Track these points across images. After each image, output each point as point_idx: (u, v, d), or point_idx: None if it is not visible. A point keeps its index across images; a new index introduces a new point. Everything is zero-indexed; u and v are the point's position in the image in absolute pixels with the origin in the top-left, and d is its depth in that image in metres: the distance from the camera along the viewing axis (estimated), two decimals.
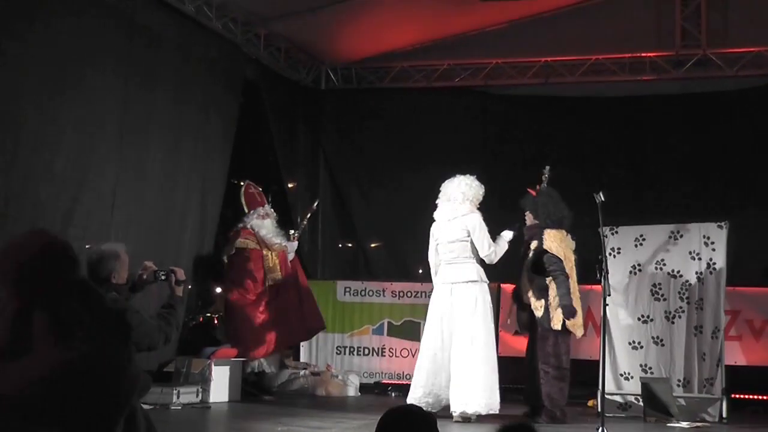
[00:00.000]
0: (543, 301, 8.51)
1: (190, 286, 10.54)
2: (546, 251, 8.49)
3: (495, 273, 10.17)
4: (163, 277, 5.31)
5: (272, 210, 10.65)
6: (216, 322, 11.58)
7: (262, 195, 10.66)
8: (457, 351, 8.42)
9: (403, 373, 11.33)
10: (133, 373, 4.00)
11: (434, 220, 9.02)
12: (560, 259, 8.43)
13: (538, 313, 8.55)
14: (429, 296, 11.33)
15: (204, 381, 9.29)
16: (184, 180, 10.39)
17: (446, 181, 9.04)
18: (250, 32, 11.48)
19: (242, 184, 10.70)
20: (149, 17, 9.77)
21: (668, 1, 11.77)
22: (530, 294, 8.68)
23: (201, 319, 11.75)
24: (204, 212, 10.72)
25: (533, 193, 8.84)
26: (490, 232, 8.77)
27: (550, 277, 8.48)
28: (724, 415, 8.96)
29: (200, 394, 9.21)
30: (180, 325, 5.43)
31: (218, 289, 10.89)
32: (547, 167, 8.84)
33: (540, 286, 8.58)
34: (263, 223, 10.43)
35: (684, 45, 11.82)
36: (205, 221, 10.73)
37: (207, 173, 10.77)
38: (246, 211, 10.46)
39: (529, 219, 8.89)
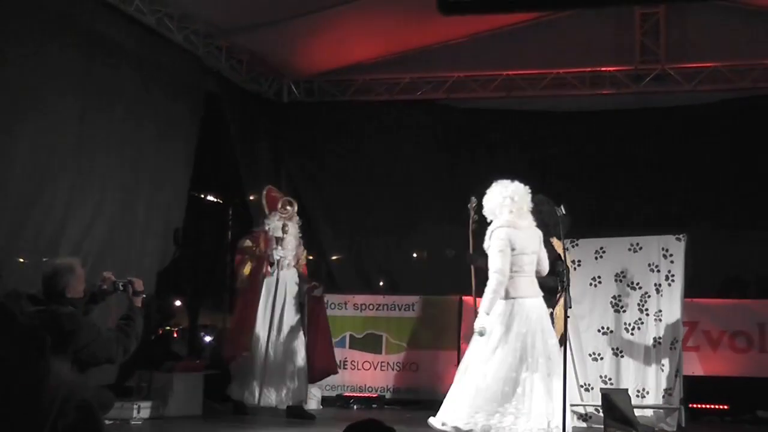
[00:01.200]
0: (551, 309, 8.11)
1: (146, 297, 10.52)
2: (559, 257, 8.00)
3: (455, 285, 10.24)
4: (121, 288, 5.31)
5: (296, 214, 9.97)
6: (176, 335, 11.52)
7: (284, 200, 10.01)
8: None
9: (365, 385, 11.33)
10: (53, 385, 4.00)
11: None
12: (568, 267, 7.96)
13: None
14: (391, 309, 11.44)
15: (164, 395, 9.22)
16: (144, 193, 10.34)
17: (514, 186, 7.71)
18: (211, 44, 11.45)
19: (263, 189, 10.25)
20: (108, 29, 9.73)
21: (628, 16, 11.89)
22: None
23: (160, 332, 11.70)
24: (166, 226, 10.66)
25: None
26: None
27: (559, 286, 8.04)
28: (683, 424, 9.06)
29: (160, 409, 9.13)
30: (139, 337, 5.37)
31: (177, 302, 10.83)
32: (473, 198, 8.37)
33: (551, 295, 8.18)
34: (289, 225, 9.75)
35: (643, 60, 11.95)
36: (167, 234, 10.66)
37: (168, 186, 10.72)
38: (267, 212, 9.96)
39: None
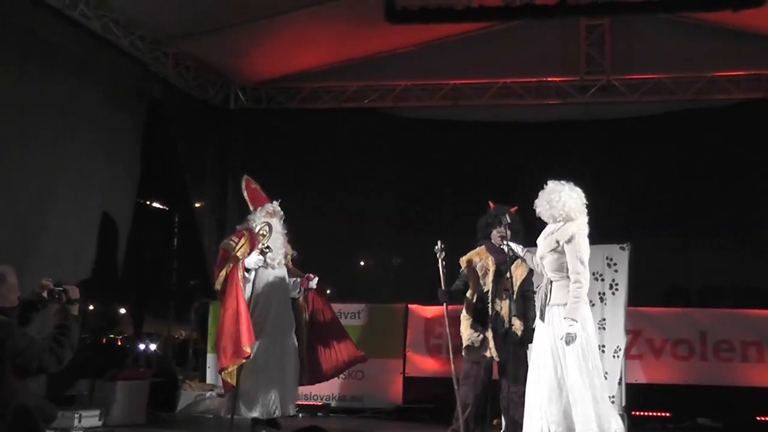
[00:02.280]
0: (522, 321, 8.04)
1: (92, 307, 10.35)
2: (531, 271, 8.00)
3: (401, 293, 10.26)
4: (56, 296, 5.24)
5: (280, 208, 9.13)
6: (120, 343, 11.39)
7: (263, 191, 9.29)
8: None
9: (310, 393, 11.25)
10: None
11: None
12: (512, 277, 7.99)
13: (520, 332, 8.01)
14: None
15: (107, 404, 9.11)
16: (90, 200, 10.21)
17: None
18: (158, 50, 11.38)
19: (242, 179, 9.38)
20: (51, 33, 9.61)
21: (574, 27, 12.02)
22: (509, 314, 8.05)
23: (104, 340, 11.57)
24: (111, 232, 10.53)
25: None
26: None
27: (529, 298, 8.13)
28: None
29: (103, 418, 9.02)
30: (75, 346, 5.25)
31: (122, 310, 10.71)
32: (439, 243, 8.23)
33: (525, 307, 8.12)
34: (273, 222, 8.93)
35: (588, 71, 12.10)
36: (112, 241, 10.54)
37: (112, 193, 10.60)
38: (251, 208, 9.05)
39: (498, 237, 8.15)
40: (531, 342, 7.85)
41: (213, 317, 11.56)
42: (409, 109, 12.71)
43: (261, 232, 8.70)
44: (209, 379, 11.42)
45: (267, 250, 8.58)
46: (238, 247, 8.68)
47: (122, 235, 10.76)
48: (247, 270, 8.59)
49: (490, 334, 7.98)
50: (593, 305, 9.39)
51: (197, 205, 12.59)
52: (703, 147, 11.97)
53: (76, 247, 10.01)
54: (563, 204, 7.12)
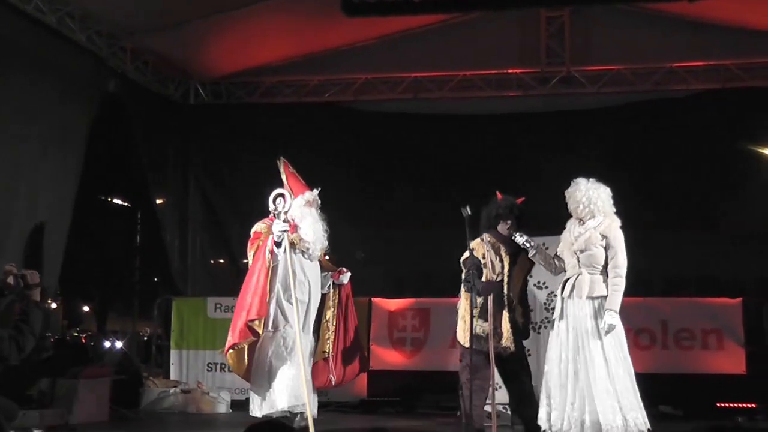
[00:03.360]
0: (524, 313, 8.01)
1: (55, 305, 10.24)
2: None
3: (364, 287, 10.24)
4: (20, 282, 5.18)
5: (318, 198, 8.39)
6: (84, 340, 11.32)
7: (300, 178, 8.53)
8: None
9: None
10: None
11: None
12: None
13: (521, 325, 7.93)
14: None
15: (69, 402, 9.04)
16: (47, 197, 10.12)
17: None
18: (115, 45, 11.28)
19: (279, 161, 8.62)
20: (5, 28, 9.50)
21: (533, 19, 12.05)
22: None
23: (68, 337, 11.48)
24: (71, 229, 10.44)
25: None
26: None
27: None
28: None
29: (65, 416, 8.95)
30: (37, 333, 5.14)
31: (86, 308, 10.63)
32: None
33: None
34: (310, 212, 8.26)
35: (549, 63, 12.14)
36: (71, 238, 10.44)
37: (70, 189, 10.50)
38: (291, 195, 8.23)
39: (506, 228, 8.02)
40: (524, 339, 7.95)
41: (176, 313, 11.54)
42: (370, 103, 12.68)
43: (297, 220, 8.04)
44: (173, 376, 11.39)
45: (286, 226, 7.89)
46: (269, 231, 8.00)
47: (82, 232, 10.66)
48: (277, 244, 7.86)
49: (506, 325, 7.75)
50: (555, 296, 9.47)
51: (159, 201, 12.50)
52: (663, 137, 12.06)
53: (34, 245, 9.90)
54: (603, 200, 7.40)
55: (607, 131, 12.22)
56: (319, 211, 8.36)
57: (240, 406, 11.01)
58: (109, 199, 11.46)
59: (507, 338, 7.73)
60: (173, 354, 11.48)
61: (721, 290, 11.09)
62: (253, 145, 12.77)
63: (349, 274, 8.46)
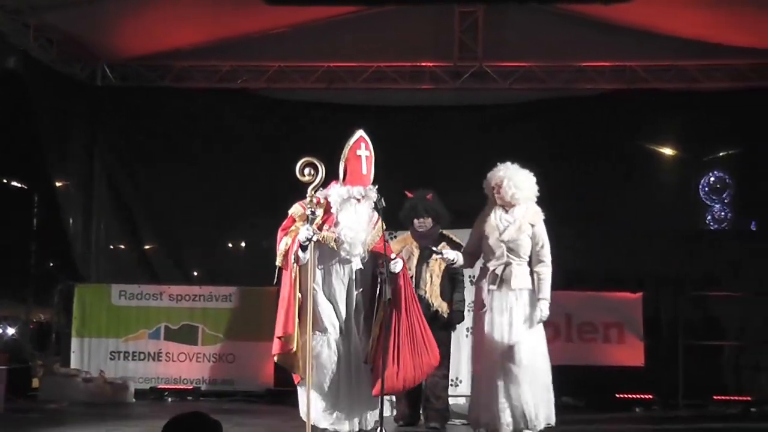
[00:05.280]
0: (448, 304, 8.09)
1: None
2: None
3: (272, 276, 10.14)
4: None
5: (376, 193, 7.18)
6: None
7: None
8: None
9: (180, 377, 11.14)
10: None
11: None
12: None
13: (446, 315, 8.05)
14: (208, 300, 11.30)
15: None
16: None
17: None
18: (18, 21, 10.89)
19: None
20: None
21: (447, 13, 12.10)
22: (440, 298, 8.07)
23: None
24: None
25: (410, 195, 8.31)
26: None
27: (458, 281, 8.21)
28: None
29: None
30: None
31: None
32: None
33: (452, 289, 8.19)
34: (357, 207, 7.11)
35: (462, 57, 12.22)
36: None
37: None
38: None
39: (427, 223, 8.11)
40: (458, 323, 7.98)
41: (78, 300, 11.30)
42: (282, 91, 12.59)
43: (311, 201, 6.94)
44: (74, 364, 11.15)
45: (312, 216, 6.85)
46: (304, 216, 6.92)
47: None
48: (302, 248, 6.82)
49: None
50: (465, 288, 9.59)
51: (59, 184, 12.18)
52: (570, 134, 12.29)
53: None
54: (528, 187, 7.38)
55: (516, 126, 12.38)
56: (374, 207, 7.10)
57: (143, 395, 10.89)
58: (5, 181, 11.08)
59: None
60: (74, 342, 11.25)
61: (623, 285, 11.41)
62: (162, 129, 12.57)
63: (400, 261, 7.11)
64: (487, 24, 12.09)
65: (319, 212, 6.98)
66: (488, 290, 7.29)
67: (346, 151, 7.22)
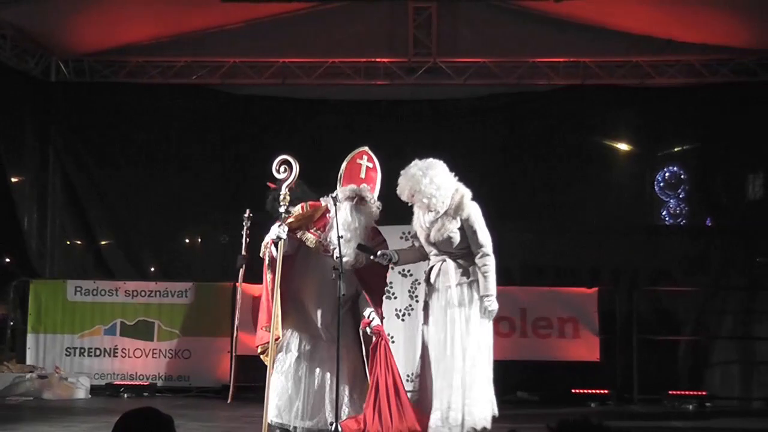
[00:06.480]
0: None
1: None
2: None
3: (229, 272, 10.16)
4: None
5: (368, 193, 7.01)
6: None
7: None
8: None
9: (136, 374, 11.11)
10: None
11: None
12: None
13: None
14: (163, 295, 11.27)
15: None
16: None
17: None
18: None
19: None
20: None
21: (401, 9, 12.16)
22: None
23: None
24: None
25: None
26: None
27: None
28: None
29: None
30: None
31: None
32: (248, 211, 7.73)
33: None
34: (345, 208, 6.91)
35: (416, 53, 12.28)
36: None
37: None
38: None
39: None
40: None
41: (33, 296, 11.25)
42: (237, 86, 12.58)
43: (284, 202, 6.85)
44: (29, 360, 11.09)
45: (285, 215, 6.78)
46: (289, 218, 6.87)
47: None
48: (274, 245, 6.74)
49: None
50: (419, 283, 9.67)
51: (15, 179, 12.11)
52: (525, 129, 12.42)
53: None
54: (442, 183, 6.81)
55: (471, 121, 12.46)
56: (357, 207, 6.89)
57: (99, 391, 10.86)
58: None
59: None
60: (30, 338, 11.18)
61: (578, 280, 11.46)
62: (116, 125, 12.53)
63: (377, 319, 6.88)
64: (441, 19, 12.17)
65: (295, 210, 6.90)
66: (427, 288, 6.99)
67: (347, 158, 7.16)
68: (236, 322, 9.34)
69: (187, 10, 11.56)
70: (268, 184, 8.07)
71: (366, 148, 7.28)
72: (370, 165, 7.22)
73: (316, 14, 12.05)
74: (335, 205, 6.79)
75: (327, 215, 6.90)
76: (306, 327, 6.88)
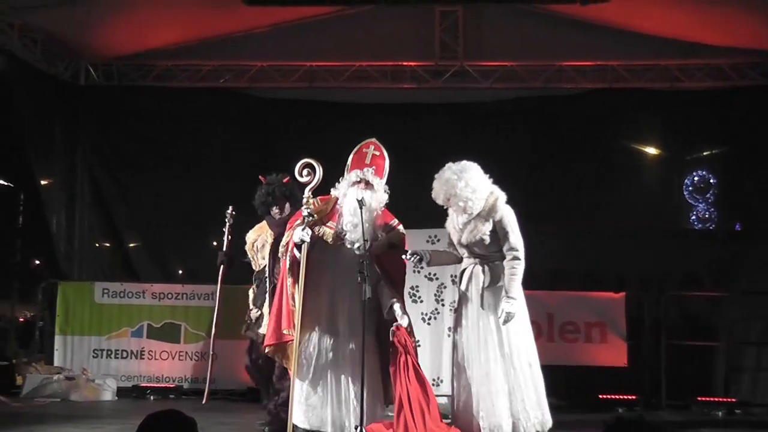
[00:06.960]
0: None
1: None
2: None
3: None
4: None
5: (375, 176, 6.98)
6: None
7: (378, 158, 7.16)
8: None
9: (162, 376, 11.15)
10: None
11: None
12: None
13: None
14: (190, 298, 11.31)
15: None
16: None
17: None
18: (1, 21, 10.95)
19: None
20: None
21: (428, 13, 12.17)
22: None
23: None
24: None
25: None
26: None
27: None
28: None
29: None
30: None
31: None
32: (230, 208, 8.19)
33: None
34: (357, 193, 6.79)
35: (443, 56, 12.29)
36: None
37: None
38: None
39: (284, 209, 7.92)
40: None
41: (61, 298, 11.31)
42: (264, 90, 12.62)
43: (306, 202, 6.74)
44: (57, 362, 11.15)
45: (309, 218, 6.65)
46: (312, 211, 6.70)
47: None
48: (297, 248, 6.64)
49: (267, 311, 7.51)
50: (445, 287, 9.65)
51: (44, 182, 12.20)
52: (552, 133, 12.36)
53: None
54: (477, 185, 6.84)
55: (497, 125, 12.43)
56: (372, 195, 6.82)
57: (126, 393, 10.90)
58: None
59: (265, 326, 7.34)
60: (57, 339, 11.24)
61: (605, 284, 11.34)
62: (144, 128, 12.61)
63: (406, 318, 6.76)
64: (467, 23, 12.17)
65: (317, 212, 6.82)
66: (460, 292, 6.97)
67: (355, 149, 7.15)
68: (213, 319, 9.31)
69: (214, 15, 11.62)
70: (260, 177, 8.09)
71: (374, 139, 7.23)
72: (377, 153, 7.15)
73: (342, 18, 12.09)
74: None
75: (337, 205, 6.84)
76: (325, 323, 6.72)
